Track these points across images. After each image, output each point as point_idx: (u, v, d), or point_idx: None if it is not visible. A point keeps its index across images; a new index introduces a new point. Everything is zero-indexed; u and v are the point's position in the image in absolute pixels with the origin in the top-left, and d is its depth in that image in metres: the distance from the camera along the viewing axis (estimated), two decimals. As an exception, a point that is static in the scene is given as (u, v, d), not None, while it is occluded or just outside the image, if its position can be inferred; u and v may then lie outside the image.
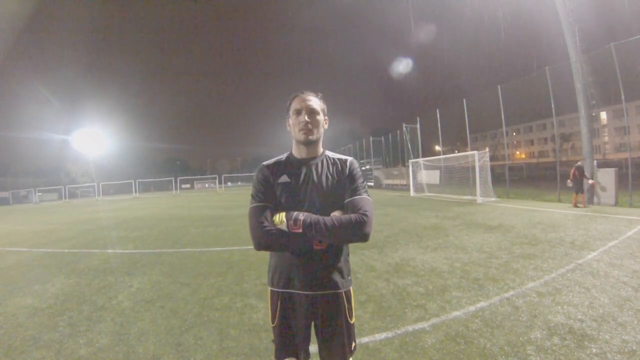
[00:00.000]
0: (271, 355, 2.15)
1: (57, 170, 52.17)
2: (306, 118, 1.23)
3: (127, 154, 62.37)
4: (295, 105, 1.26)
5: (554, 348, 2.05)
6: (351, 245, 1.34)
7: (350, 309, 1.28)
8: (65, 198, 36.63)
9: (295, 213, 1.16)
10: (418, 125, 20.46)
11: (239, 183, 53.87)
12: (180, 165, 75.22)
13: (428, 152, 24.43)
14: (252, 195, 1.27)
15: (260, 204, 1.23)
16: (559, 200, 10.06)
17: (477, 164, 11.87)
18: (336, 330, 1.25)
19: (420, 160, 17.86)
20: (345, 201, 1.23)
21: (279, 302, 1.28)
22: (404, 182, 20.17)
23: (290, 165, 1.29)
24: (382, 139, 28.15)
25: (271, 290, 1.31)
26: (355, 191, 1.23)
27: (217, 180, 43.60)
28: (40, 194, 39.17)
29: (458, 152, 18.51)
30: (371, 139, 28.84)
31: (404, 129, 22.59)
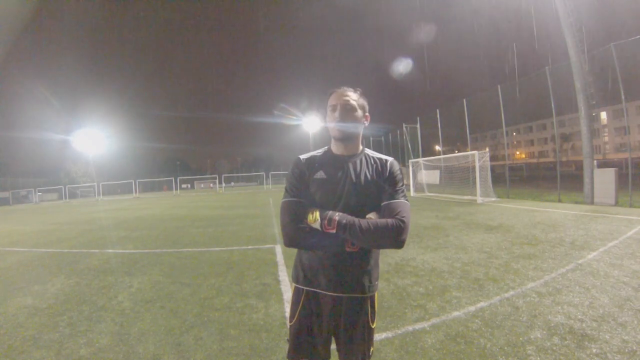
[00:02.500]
0: (272, 355, 2.15)
1: (57, 170, 52.09)
2: (339, 114, 1.20)
3: (127, 154, 62.34)
4: (331, 101, 1.24)
5: (554, 348, 2.05)
6: None
7: (373, 313, 1.25)
8: (65, 198, 36.63)
9: (330, 213, 1.14)
10: (418, 125, 20.45)
11: (234, 183, 53.85)
12: (180, 165, 75.23)
13: (428, 152, 24.42)
14: (285, 189, 1.25)
15: (293, 199, 1.21)
16: (559, 201, 10.06)
17: (477, 164, 11.86)
18: (357, 334, 1.21)
19: (420, 160, 17.86)
20: (382, 204, 1.18)
21: (302, 300, 1.24)
22: (404, 182, 20.14)
23: (327, 161, 1.25)
24: (382, 138, 28.14)
25: (295, 287, 1.28)
26: (393, 194, 1.19)
27: (217, 180, 43.59)
28: (40, 194, 39.15)
29: (458, 152, 18.50)
30: (371, 139, 28.83)
31: (404, 129, 22.59)
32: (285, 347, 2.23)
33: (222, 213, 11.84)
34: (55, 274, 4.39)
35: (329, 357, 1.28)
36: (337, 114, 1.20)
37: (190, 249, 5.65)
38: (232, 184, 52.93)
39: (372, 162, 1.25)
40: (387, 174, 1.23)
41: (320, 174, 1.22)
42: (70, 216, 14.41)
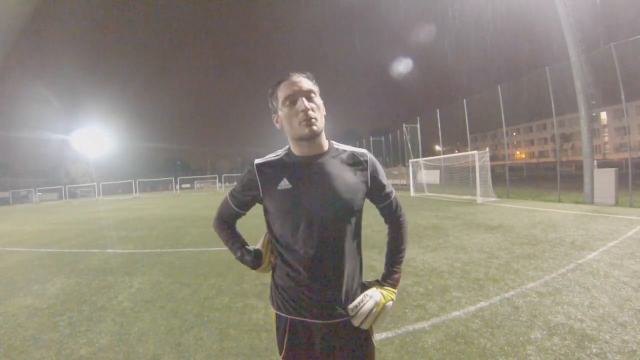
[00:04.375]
0: (272, 355, 2.15)
1: (57, 170, 52.15)
2: (306, 104, 0.94)
3: (127, 154, 62.45)
4: (285, 92, 0.97)
5: (554, 348, 2.05)
6: None
7: (371, 329, 1.07)
8: (65, 198, 36.63)
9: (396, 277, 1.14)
10: (418, 125, 20.45)
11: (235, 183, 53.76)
12: (180, 165, 75.24)
13: (428, 152, 24.43)
14: (231, 191, 1.16)
15: (229, 200, 1.16)
16: (559, 200, 10.06)
17: (477, 164, 11.86)
18: (358, 354, 1.06)
19: (421, 160, 17.85)
20: (380, 205, 1.13)
21: (287, 330, 1.05)
22: (404, 182, 20.16)
23: (291, 167, 1.02)
24: (382, 138, 28.17)
25: (277, 315, 1.10)
26: (388, 194, 1.12)
27: (217, 180, 43.60)
28: (40, 193, 39.17)
29: (458, 152, 18.50)
30: (371, 138, 28.85)
31: (404, 128, 22.59)
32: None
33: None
34: (55, 274, 4.39)
35: None
36: (300, 105, 0.94)
37: (190, 249, 5.65)
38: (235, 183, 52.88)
39: (347, 160, 1.05)
40: (369, 171, 1.06)
41: (284, 184, 1.00)
42: (70, 216, 14.40)
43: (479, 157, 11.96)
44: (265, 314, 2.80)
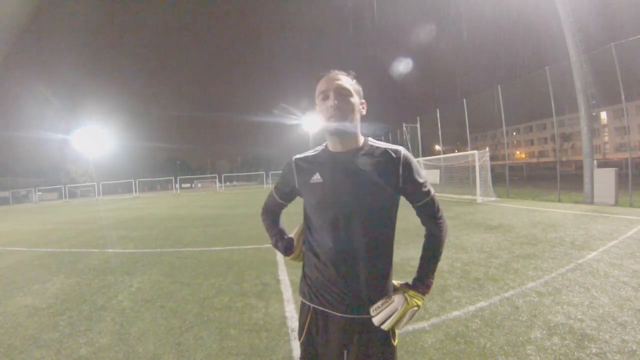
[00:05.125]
0: (272, 355, 2.15)
1: (57, 170, 52.17)
2: (334, 101, 0.99)
3: (127, 153, 62.44)
4: (321, 87, 1.03)
5: (554, 348, 2.05)
6: None
7: (394, 331, 1.05)
8: (65, 197, 36.63)
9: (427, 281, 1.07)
10: (418, 125, 20.47)
11: (237, 182, 53.85)
12: (180, 165, 75.25)
13: (428, 151, 24.44)
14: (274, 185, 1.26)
15: (273, 193, 1.26)
16: (559, 200, 10.06)
17: (477, 164, 11.86)
18: (377, 357, 1.04)
19: (421, 159, 17.86)
20: (417, 205, 1.07)
21: (308, 317, 1.10)
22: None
23: (323, 162, 1.07)
24: (382, 138, 28.14)
25: (302, 302, 1.14)
26: (424, 193, 1.06)
27: (217, 180, 43.60)
28: (40, 193, 39.18)
29: (458, 151, 18.51)
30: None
31: (404, 128, 22.61)
32: (285, 347, 2.24)
33: (222, 213, 11.84)
34: (55, 274, 4.39)
35: None
36: (330, 101, 1.00)
37: (190, 249, 5.65)
38: (236, 183, 52.98)
39: (379, 157, 1.04)
40: (401, 168, 1.02)
41: (316, 178, 1.05)
42: (70, 216, 14.40)
43: (479, 157, 11.97)
44: (265, 313, 2.80)
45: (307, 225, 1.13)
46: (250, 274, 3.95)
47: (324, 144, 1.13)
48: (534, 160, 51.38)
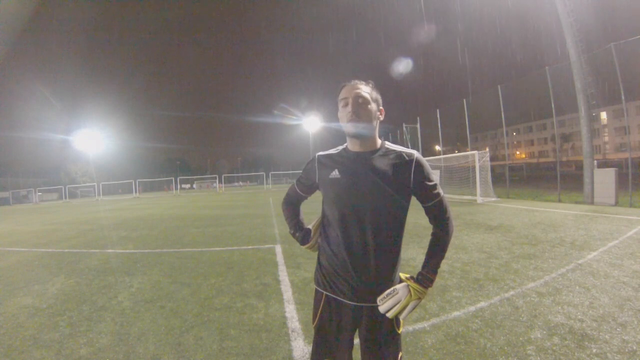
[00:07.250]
0: (272, 355, 2.16)
1: (57, 170, 52.11)
2: (351, 108, 1.12)
3: (127, 154, 62.45)
4: (342, 95, 1.17)
5: (554, 348, 2.05)
6: None
7: (398, 320, 1.17)
8: (65, 198, 36.63)
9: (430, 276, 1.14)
10: (418, 125, 20.46)
11: (242, 183, 53.82)
12: (180, 165, 75.26)
13: (428, 152, 24.45)
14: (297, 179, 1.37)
15: (295, 185, 1.38)
16: (559, 200, 10.06)
17: (477, 164, 11.86)
18: (382, 341, 1.16)
19: (421, 160, 17.81)
20: (427, 205, 1.16)
21: (321, 304, 1.22)
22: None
23: (343, 160, 1.19)
24: (382, 138, 28.08)
25: (316, 289, 1.26)
26: (434, 195, 1.15)
27: (217, 180, 43.60)
28: (40, 193, 39.18)
29: (458, 152, 18.51)
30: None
31: (404, 128, 22.59)
32: (285, 347, 2.24)
33: (222, 213, 11.84)
34: (55, 274, 4.39)
35: None
36: (349, 108, 1.13)
37: (190, 249, 5.65)
38: (240, 183, 52.89)
39: (393, 159, 1.14)
40: (413, 170, 1.12)
41: (335, 174, 1.17)
42: (70, 216, 14.40)
43: (479, 157, 11.97)
44: (266, 314, 2.80)
45: (324, 219, 1.25)
46: (250, 274, 3.95)
47: (345, 144, 1.24)
48: (534, 160, 51.38)
